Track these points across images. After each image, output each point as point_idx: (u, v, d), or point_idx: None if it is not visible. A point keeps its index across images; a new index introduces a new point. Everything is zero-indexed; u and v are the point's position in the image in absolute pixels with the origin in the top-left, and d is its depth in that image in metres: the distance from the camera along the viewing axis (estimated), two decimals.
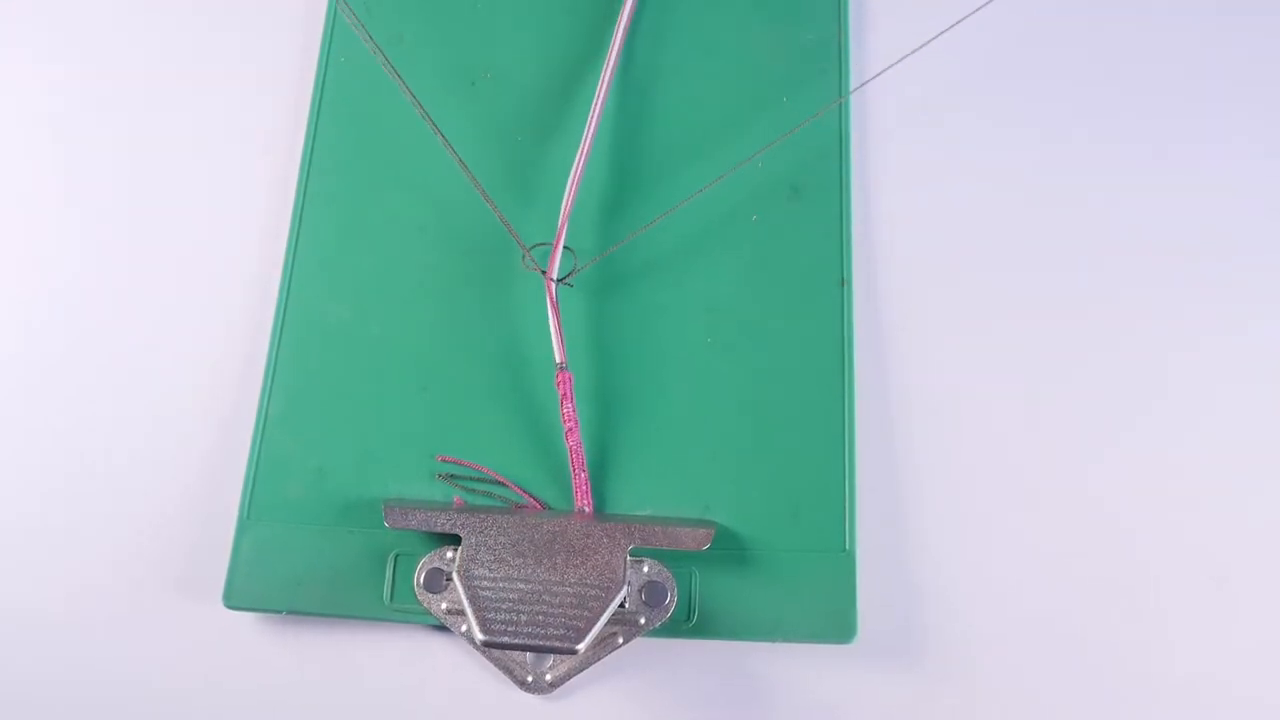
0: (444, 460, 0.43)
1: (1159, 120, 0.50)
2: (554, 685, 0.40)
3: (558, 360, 0.43)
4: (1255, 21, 0.52)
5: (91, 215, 0.49)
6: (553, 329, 0.44)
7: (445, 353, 0.45)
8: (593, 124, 0.46)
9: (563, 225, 0.45)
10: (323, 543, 0.42)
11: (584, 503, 0.42)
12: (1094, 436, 0.45)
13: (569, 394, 0.43)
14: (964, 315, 0.47)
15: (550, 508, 0.43)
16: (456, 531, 0.40)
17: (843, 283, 0.46)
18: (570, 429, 0.43)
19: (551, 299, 0.44)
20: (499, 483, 0.43)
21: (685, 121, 0.49)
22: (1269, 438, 0.45)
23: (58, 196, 0.49)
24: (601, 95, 0.47)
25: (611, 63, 0.48)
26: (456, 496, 0.43)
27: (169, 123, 0.50)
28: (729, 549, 0.42)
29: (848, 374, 0.45)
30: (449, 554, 0.41)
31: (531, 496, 0.43)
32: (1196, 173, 0.49)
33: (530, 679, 0.40)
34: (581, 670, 0.40)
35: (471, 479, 0.43)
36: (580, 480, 0.42)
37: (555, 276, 0.44)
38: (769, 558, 0.42)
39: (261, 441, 0.44)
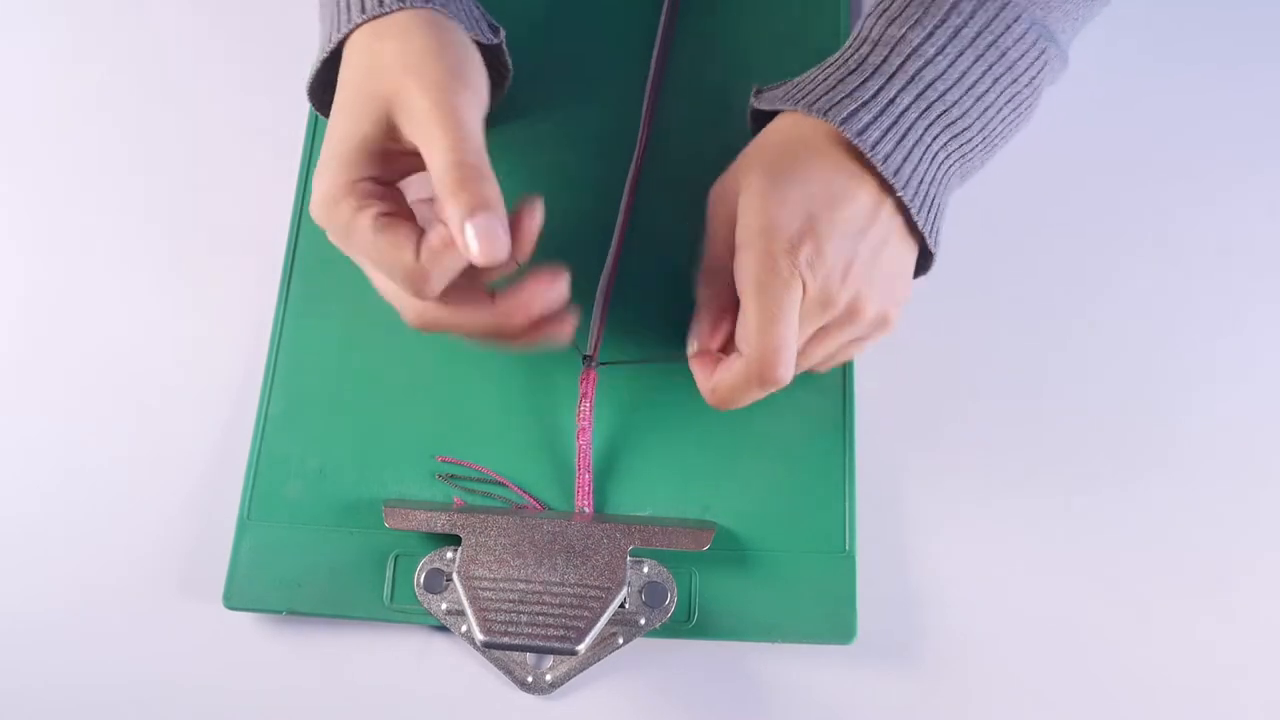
0: (444, 460, 0.43)
1: (1164, 125, 0.51)
2: (554, 685, 0.40)
3: (587, 352, 0.43)
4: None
5: (92, 217, 0.49)
6: (596, 320, 0.44)
7: (444, 355, 0.45)
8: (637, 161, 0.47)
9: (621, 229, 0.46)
10: (323, 543, 0.42)
11: (585, 503, 0.42)
12: (1092, 440, 0.45)
13: (589, 394, 0.43)
14: (964, 317, 0.47)
15: (550, 508, 0.43)
16: (456, 532, 0.41)
17: None
18: (583, 428, 0.43)
19: (606, 293, 0.44)
20: (499, 483, 0.43)
21: (687, 132, 0.49)
22: (1266, 441, 0.45)
23: (59, 199, 0.49)
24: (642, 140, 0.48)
25: (650, 94, 0.48)
26: (456, 497, 0.43)
27: (169, 123, 0.50)
28: (729, 550, 0.42)
29: (847, 375, 0.45)
30: (449, 554, 0.41)
31: (531, 497, 0.43)
32: (1184, 190, 0.50)
33: (530, 679, 0.40)
34: (581, 670, 0.40)
35: (471, 479, 0.43)
36: (584, 481, 0.42)
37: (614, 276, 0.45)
38: (769, 559, 0.42)
39: (261, 442, 0.44)
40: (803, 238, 0.36)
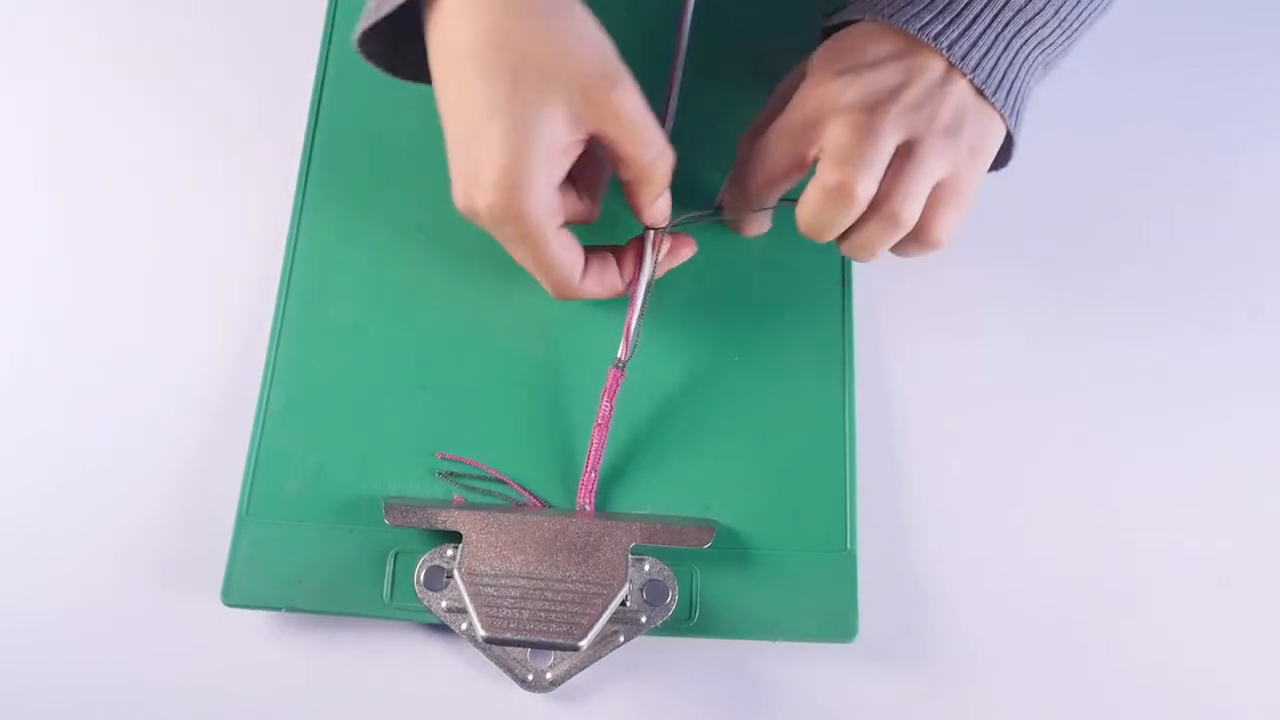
0: (444, 458, 0.43)
1: (1160, 116, 0.51)
2: (555, 684, 0.40)
3: (619, 356, 0.42)
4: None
5: (91, 216, 0.48)
6: (631, 324, 0.42)
7: (445, 352, 0.45)
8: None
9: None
10: (322, 540, 0.42)
11: (586, 500, 0.42)
12: (1093, 438, 0.45)
13: (611, 390, 0.42)
14: (964, 316, 0.47)
15: (550, 506, 0.43)
16: (457, 529, 0.40)
17: (843, 283, 0.46)
18: (599, 425, 0.42)
19: (640, 296, 0.42)
20: (499, 481, 0.43)
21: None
22: (1267, 441, 0.45)
23: (58, 197, 0.49)
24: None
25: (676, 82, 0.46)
26: (457, 494, 0.43)
27: (168, 123, 0.50)
28: (730, 548, 0.42)
29: (848, 374, 0.45)
30: (449, 552, 0.41)
31: (531, 494, 0.43)
32: (1203, 178, 0.50)
33: (530, 677, 0.40)
34: (582, 669, 0.40)
35: (472, 477, 0.43)
36: (589, 479, 0.42)
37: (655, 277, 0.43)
38: (770, 557, 0.42)
39: (261, 439, 0.43)
40: (846, 72, 0.39)
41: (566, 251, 0.39)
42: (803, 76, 0.41)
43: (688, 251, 0.43)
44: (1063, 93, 0.49)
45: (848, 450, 0.44)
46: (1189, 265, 0.48)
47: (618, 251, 0.42)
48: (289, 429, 0.44)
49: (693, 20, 0.47)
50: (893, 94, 0.38)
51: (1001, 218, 0.49)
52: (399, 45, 0.40)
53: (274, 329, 0.45)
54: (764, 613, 0.41)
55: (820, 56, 0.41)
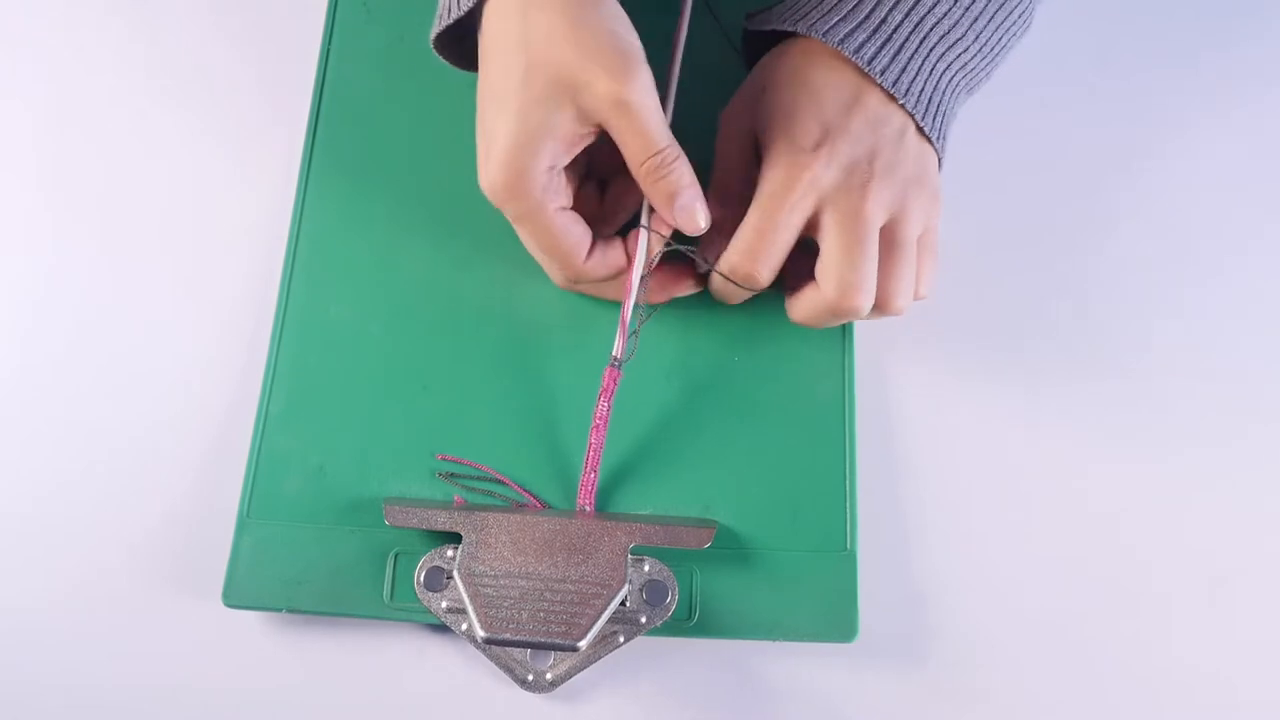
0: (444, 459, 0.43)
1: (1159, 115, 0.51)
2: (554, 684, 0.40)
3: (615, 354, 0.42)
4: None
5: (92, 216, 0.48)
6: (625, 320, 0.42)
7: (445, 352, 0.45)
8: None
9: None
10: (323, 541, 0.42)
11: (586, 501, 0.42)
12: (1092, 437, 0.45)
13: (609, 391, 0.42)
14: (965, 316, 0.47)
15: (550, 506, 0.43)
16: (457, 530, 0.40)
17: None
18: (597, 425, 0.42)
19: (633, 293, 0.42)
20: (499, 481, 0.43)
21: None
22: (1266, 440, 0.45)
23: (58, 197, 0.49)
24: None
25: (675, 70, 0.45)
26: (457, 495, 0.43)
27: (169, 123, 0.50)
28: (730, 548, 0.42)
29: (848, 373, 0.45)
30: (449, 552, 0.41)
31: (531, 495, 0.43)
32: (1196, 179, 0.50)
33: (530, 677, 0.40)
34: (582, 669, 0.40)
35: (472, 478, 0.43)
36: (588, 480, 0.42)
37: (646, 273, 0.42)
38: (770, 557, 0.42)
39: (262, 440, 0.43)
40: (820, 144, 0.39)
41: (570, 230, 0.40)
42: (746, 114, 0.41)
43: (686, 288, 0.44)
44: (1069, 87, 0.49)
45: (848, 450, 0.44)
46: (1187, 264, 0.48)
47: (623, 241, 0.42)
48: (289, 430, 0.44)
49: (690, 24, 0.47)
50: (869, 163, 0.39)
51: (1001, 217, 0.49)
52: (463, 40, 0.42)
53: (274, 329, 0.45)
54: (764, 613, 0.41)
55: (778, 107, 0.40)
